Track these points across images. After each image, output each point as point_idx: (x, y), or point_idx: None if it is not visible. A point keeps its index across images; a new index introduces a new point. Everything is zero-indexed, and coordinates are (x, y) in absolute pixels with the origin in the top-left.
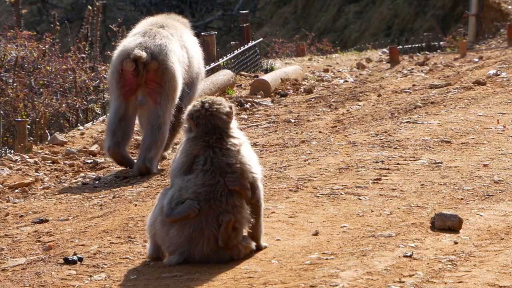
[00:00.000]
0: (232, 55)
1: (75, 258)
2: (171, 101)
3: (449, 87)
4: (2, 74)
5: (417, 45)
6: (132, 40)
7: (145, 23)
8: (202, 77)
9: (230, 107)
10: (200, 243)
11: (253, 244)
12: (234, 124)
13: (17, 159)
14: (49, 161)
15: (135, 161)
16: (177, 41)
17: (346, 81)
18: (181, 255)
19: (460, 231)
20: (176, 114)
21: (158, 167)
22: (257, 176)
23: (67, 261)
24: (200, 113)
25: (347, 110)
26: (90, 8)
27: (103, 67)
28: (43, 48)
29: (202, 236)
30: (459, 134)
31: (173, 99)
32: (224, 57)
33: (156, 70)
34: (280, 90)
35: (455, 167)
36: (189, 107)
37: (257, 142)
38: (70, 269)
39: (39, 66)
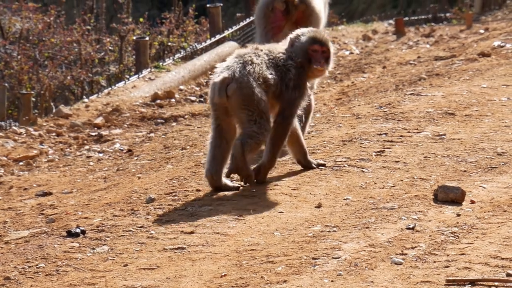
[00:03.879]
0: (238, 27)
1: (78, 230)
2: None
3: (454, 59)
4: (7, 47)
5: (423, 17)
6: None
7: None
8: (327, 12)
9: None
10: None
11: None
12: None
13: (21, 132)
14: (53, 134)
15: None
16: None
17: (352, 53)
18: None
19: (463, 203)
20: None
21: None
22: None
23: (70, 234)
24: None
25: (352, 82)
26: None
27: (108, 39)
28: (48, 20)
29: None
30: (463, 106)
31: None
32: (230, 29)
33: (303, 12)
34: None
35: (459, 139)
36: None
37: None
38: (73, 242)
39: (44, 39)
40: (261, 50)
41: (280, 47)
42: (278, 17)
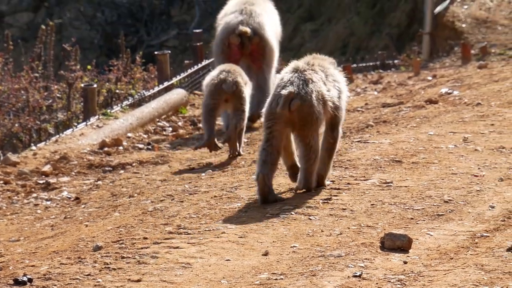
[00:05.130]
0: (185, 74)
1: (25, 279)
2: (271, 66)
3: (402, 106)
4: None
5: (371, 64)
6: (233, 18)
7: (236, 2)
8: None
9: None
10: None
11: None
12: None
13: None
14: (1, 182)
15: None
16: (267, 15)
17: None
18: None
19: (410, 250)
20: None
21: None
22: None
23: (17, 282)
24: None
25: None
26: (44, 27)
27: (56, 86)
28: None
29: None
30: (410, 153)
31: (273, 63)
32: (178, 76)
33: (258, 44)
34: None
35: (406, 186)
36: None
37: (209, 162)
38: None
39: None
40: (317, 66)
41: (329, 65)
42: (234, 51)
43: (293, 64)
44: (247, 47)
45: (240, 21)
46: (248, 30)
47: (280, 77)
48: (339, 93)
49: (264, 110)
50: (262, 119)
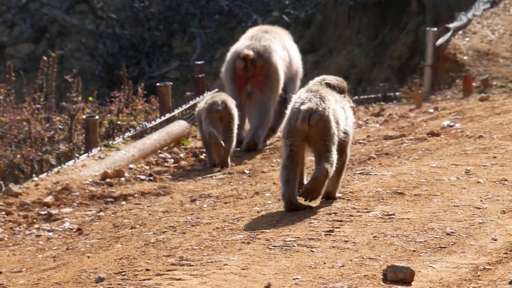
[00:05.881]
0: (187, 105)
1: None
2: (274, 91)
3: (404, 138)
4: None
5: (373, 96)
6: (242, 44)
7: (252, 30)
8: (300, 75)
9: None
10: None
11: None
12: None
13: None
14: (3, 213)
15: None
16: (279, 43)
17: None
18: None
19: (412, 283)
20: (282, 104)
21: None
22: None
23: None
24: None
25: None
26: (45, 58)
27: (57, 118)
28: None
29: None
30: (412, 185)
31: (277, 89)
32: (179, 108)
33: (262, 66)
34: None
35: (408, 218)
36: None
37: (211, 194)
38: None
39: None
40: (330, 89)
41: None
42: (240, 75)
43: (307, 86)
44: (250, 70)
45: (247, 46)
46: (250, 53)
47: (296, 96)
48: (346, 117)
49: (282, 127)
50: (281, 136)
